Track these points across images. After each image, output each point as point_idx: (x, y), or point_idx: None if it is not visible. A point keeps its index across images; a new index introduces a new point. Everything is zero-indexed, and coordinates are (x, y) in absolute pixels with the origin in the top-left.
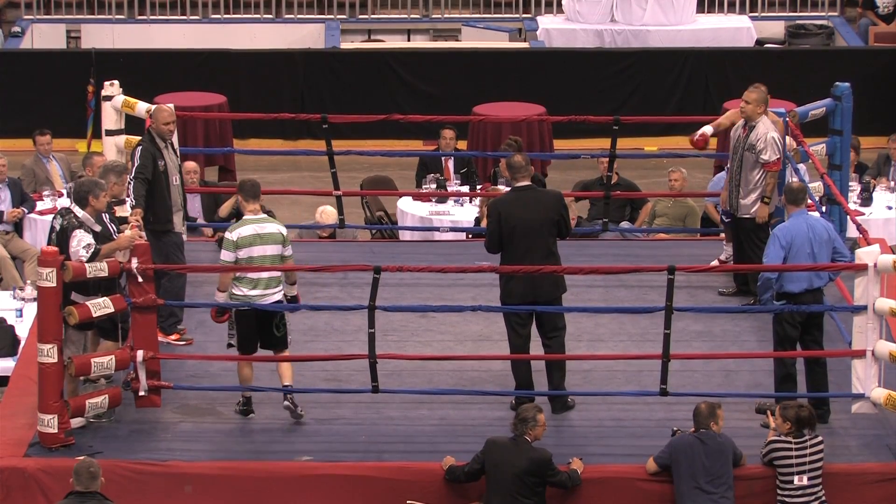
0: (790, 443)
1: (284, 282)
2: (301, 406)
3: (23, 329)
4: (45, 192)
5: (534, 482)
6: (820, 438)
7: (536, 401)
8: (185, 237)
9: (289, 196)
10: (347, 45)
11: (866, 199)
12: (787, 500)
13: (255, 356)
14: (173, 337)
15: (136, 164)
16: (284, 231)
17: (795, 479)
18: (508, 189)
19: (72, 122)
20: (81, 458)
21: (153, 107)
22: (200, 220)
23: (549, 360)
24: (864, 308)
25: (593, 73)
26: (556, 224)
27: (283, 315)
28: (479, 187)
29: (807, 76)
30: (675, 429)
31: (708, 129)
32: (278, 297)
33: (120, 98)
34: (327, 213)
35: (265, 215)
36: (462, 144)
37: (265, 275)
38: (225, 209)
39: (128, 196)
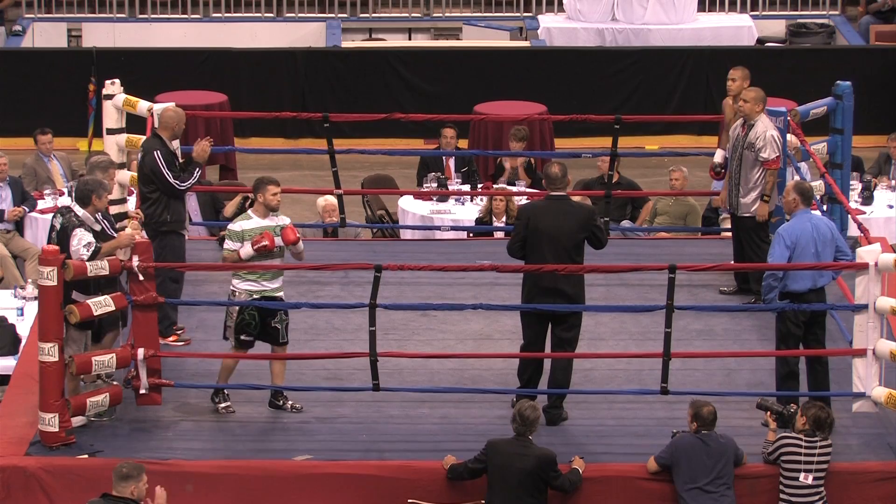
0: (801, 440)
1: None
2: (292, 402)
3: (24, 328)
4: (46, 191)
5: (539, 481)
6: (830, 442)
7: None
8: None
9: (290, 195)
10: (348, 43)
11: (867, 198)
12: (791, 499)
13: (257, 354)
14: (171, 339)
15: (163, 169)
16: (232, 226)
17: (801, 476)
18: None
19: (73, 120)
20: (86, 458)
21: (156, 105)
22: (197, 219)
23: (552, 374)
24: (865, 307)
25: (594, 71)
26: (585, 239)
27: (226, 309)
28: (480, 186)
29: (808, 75)
30: (674, 431)
31: (719, 157)
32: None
33: (121, 97)
34: (329, 201)
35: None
36: (463, 143)
37: None
38: (230, 209)
39: (186, 184)
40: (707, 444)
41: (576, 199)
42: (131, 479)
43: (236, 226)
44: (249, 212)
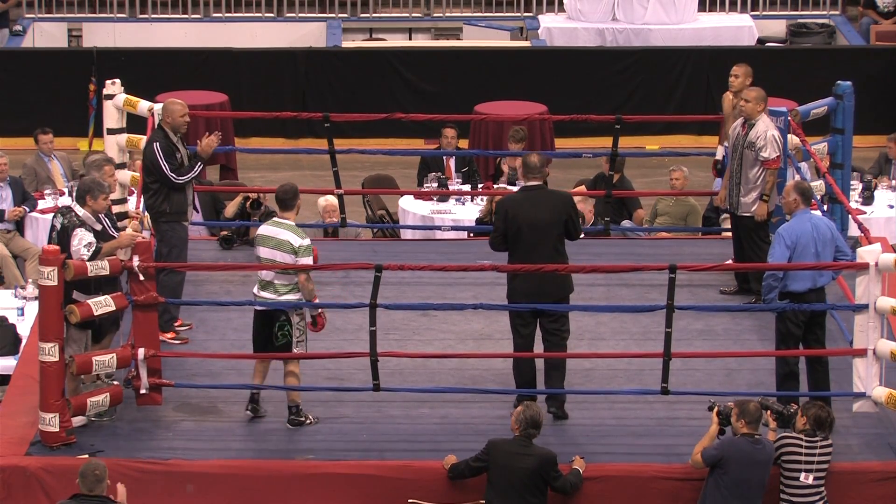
0: (801, 440)
1: (290, 293)
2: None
3: (24, 328)
4: (47, 191)
5: (540, 481)
6: (830, 442)
7: (537, 400)
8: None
9: None
10: (349, 43)
11: (868, 198)
12: (791, 499)
13: (257, 354)
14: (169, 335)
15: (161, 161)
16: (297, 242)
17: (801, 476)
18: (511, 187)
19: (73, 120)
20: (86, 458)
21: (157, 105)
22: (198, 219)
23: (548, 362)
24: (866, 307)
25: (595, 71)
26: (564, 225)
27: (289, 324)
28: (480, 186)
29: (808, 75)
30: (711, 402)
31: (720, 154)
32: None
33: (121, 97)
34: (330, 202)
35: (290, 223)
36: (464, 143)
37: (268, 276)
38: (230, 209)
39: (184, 178)
40: (756, 451)
41: (577, 198)
42: (105, 479)
43: (307, 241)
44: (294, 224)
